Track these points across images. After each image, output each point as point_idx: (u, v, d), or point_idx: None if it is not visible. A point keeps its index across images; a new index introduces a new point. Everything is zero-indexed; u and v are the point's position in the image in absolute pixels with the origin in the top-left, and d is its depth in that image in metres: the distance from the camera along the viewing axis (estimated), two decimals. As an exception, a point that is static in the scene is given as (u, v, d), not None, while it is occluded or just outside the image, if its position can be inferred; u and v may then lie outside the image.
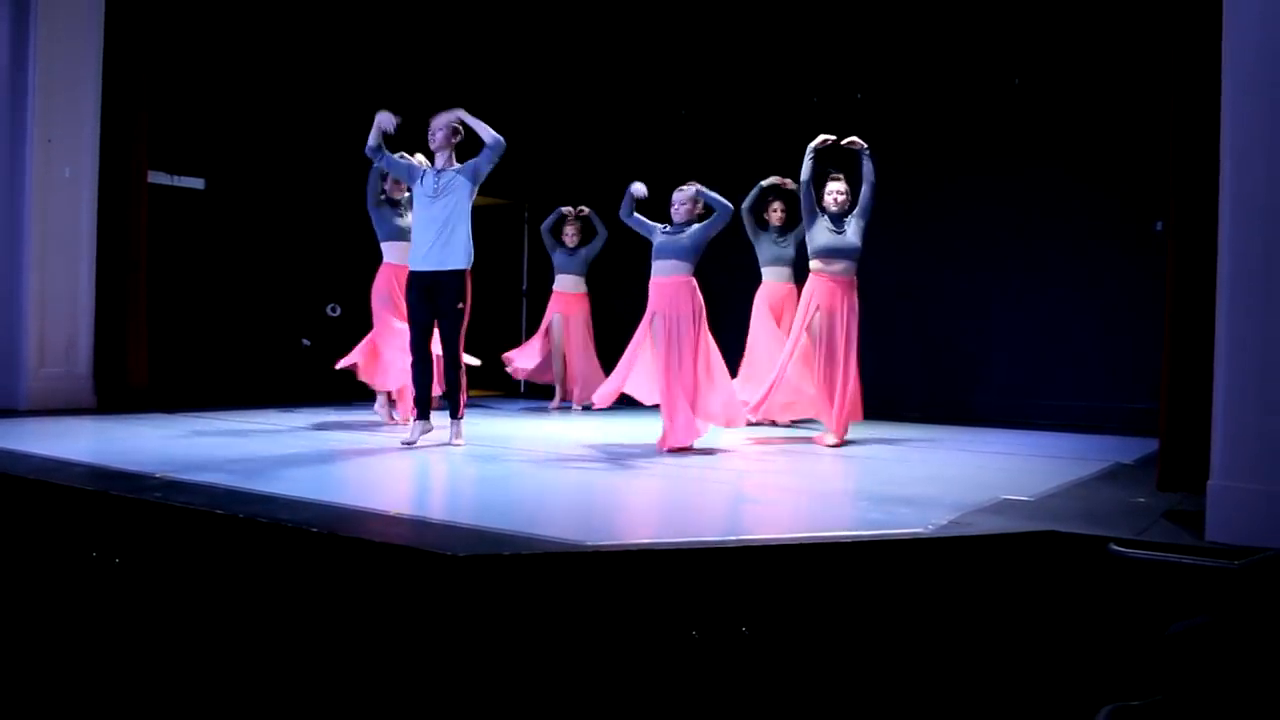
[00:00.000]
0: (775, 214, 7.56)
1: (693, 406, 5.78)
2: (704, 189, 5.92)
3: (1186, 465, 4.27)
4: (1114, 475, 5.26)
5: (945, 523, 3.74)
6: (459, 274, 5.93)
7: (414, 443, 5.84)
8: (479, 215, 8.20)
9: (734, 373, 7.18)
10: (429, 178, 5.98)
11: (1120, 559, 3.32)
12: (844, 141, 6.44)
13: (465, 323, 5.95)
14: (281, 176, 9.23)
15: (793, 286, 7.45)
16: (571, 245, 8.82)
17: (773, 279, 7.58)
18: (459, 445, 5.91)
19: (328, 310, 9.19)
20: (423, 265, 5.91)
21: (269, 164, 9.17)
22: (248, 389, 8.68)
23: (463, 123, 6.02)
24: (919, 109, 8.69)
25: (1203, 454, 3.67)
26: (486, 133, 5.96)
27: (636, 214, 6.06)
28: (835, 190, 6.41)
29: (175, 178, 8.67)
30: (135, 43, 7.85)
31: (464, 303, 5.92)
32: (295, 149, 9.29)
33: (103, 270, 7.65)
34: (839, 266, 6.34)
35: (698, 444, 5.89)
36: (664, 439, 5.82)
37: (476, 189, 6.04)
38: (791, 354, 6.43)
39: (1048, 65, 8.18)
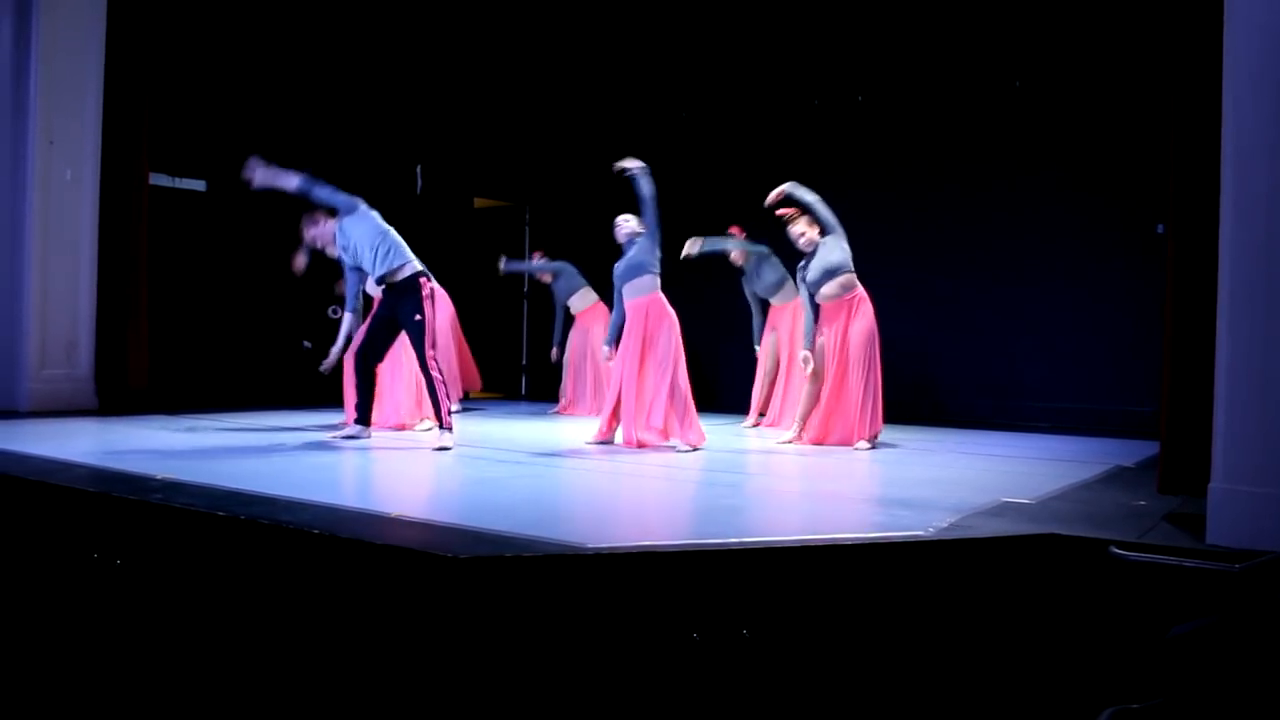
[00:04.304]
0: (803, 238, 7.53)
1: (646, 415, 5.97)
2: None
3: (1188, 468, 4.27)
4: (1115, 478, 5.26)
5: (946, 525, 3.74)
6: (405, 284, 5.94)
7: (332, 440, 6.04)
8: (480, 217, 8.26)
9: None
10: (339, 239, 6.21)
11: (1121, 562, 3.32)
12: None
13: (428, 335, 5.93)
14: (283, 178, 9.23)
15: (796, 303, 7.47)
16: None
17: (777, 303, 7.63)
18: (447, 448, 5.93)
19: (329, 312, 9.18)
20: (378, 280, 6.06)
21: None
22: (249, 391, 8.69)
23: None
24: (920, 112, 8.70)
25: (1204, 456, 3.66)
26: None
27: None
28: (797, 234, 6.50)
29: (176, 180, 8.68)
30: (137, 45, 7.86)
31: (420, 315, 5.87)
32: (297, 150, 9.28)
33: (104, 272, 7.65)
34: (827, 290, 6.39)
35: (701, 446, 5.92)
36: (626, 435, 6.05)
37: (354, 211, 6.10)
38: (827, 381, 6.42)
39: (1049, 68, 8.19)
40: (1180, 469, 4.40)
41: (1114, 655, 3.18)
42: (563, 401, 8.94)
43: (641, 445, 5.95)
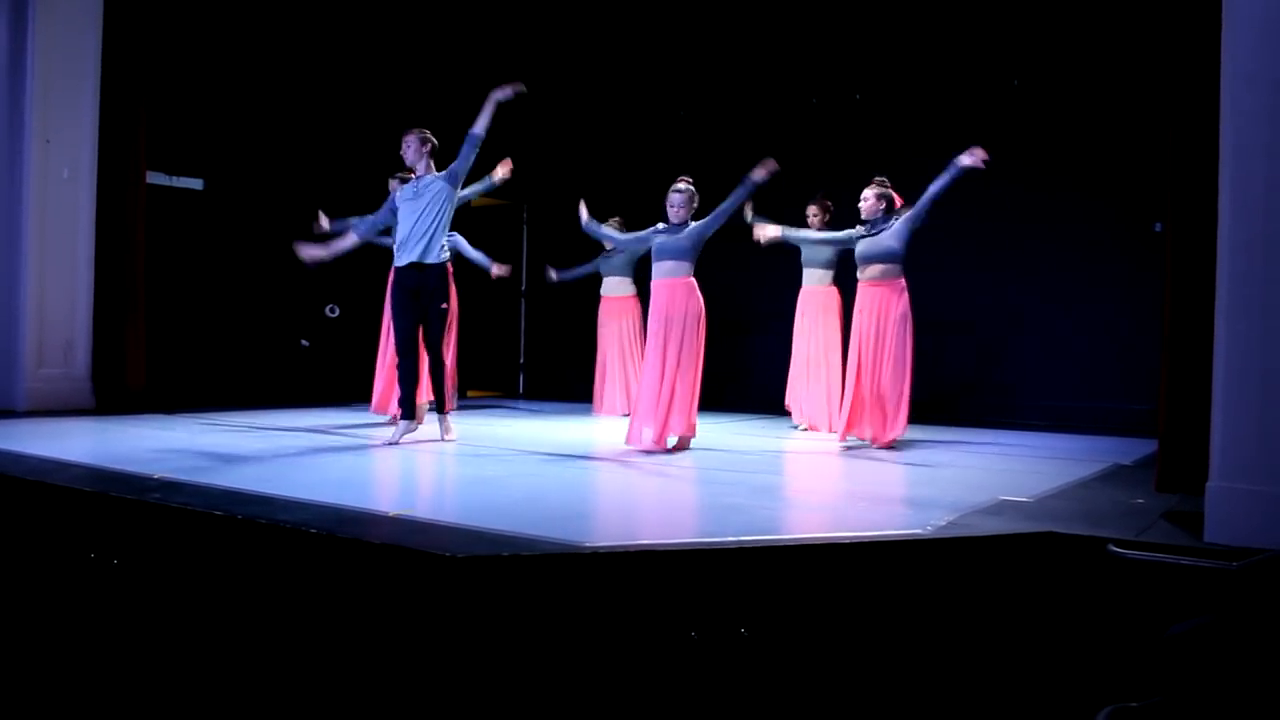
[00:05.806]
0: (813, 218, 7.46)
1: (674, 409, 5.71)
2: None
3: (1185, 466, 4.28)
4: (1113, 476, 5.26)
5: (944, 523, 3.74)
6: (437, 270, 5.91)
7: (397, 442, 5.87)
8: (479, 216, 8.17)
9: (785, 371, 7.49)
10: (407, 189, 5.98)
11: (1119, 560, 3.32)
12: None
13: (450, 323, 5.99)
14: (280, 177, 9.23)
15: (828, 289, 7.41)
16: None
17: (806, 282, 7.53)
18: (450, 440, 5.97)
19: (326, 311, 9.18)
20: (405, 260, 5.91)
21: (267, 164, 9.17)
22: (246, 390, 8.68)
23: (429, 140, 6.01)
24: (918, 110, 8.69)
25: (1202, 455, 3.67)
26: (479, 123, 6.04)
27: (593, 222, 6.22)
28: (864, 196, 6.43)
29: (174, 178, 8.67)
30: (133, 43, 7.85)
31: (447, 303, 5.98)
32: (294, 149, 9.28)
33: (101, 271, 7.64)
34: (870, 271, 6.29)
35: (696, 445, 5.91)
36: (659, 436, 5.74)
37: (459, 189, 6.01)
38: (856, 373, 6.25)
39: (1047, 66, 8.18)
40: (1178, 467, 4.40)
41: (1112, 653, 3.18)
42: (603, 404, 8.60)
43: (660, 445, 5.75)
